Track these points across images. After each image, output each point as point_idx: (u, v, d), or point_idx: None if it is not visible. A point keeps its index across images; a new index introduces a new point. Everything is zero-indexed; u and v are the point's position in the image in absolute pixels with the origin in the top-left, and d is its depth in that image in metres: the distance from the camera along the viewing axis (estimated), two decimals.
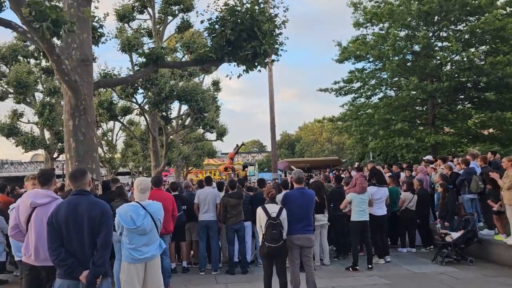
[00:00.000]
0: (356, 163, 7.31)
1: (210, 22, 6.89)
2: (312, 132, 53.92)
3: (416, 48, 14.90)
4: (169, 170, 34.46)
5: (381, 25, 15.73)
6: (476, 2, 13.86)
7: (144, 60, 7.76)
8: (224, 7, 6.86)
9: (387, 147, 17.41)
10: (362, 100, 18.30)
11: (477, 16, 14.30)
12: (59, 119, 19.18)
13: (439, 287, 5.41)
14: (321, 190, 6.95)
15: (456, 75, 14.46)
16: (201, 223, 6.71)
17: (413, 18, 14.61)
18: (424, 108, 17.44)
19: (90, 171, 5.19)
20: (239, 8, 6.83)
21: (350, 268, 6.58)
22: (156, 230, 3.72)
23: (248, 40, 6.80)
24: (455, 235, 6.77)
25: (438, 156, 10.35)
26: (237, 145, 11.64)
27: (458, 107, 16.50)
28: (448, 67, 14.86)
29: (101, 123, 19.88)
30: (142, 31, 18.10)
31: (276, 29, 7.02)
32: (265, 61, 7.55)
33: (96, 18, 7.45)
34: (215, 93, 21.23)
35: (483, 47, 14.73)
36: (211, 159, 32.41)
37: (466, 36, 14.26)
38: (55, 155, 20.63)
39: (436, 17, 14.51)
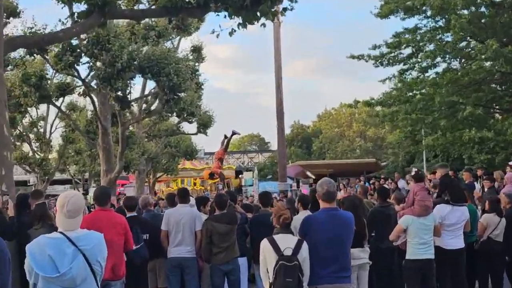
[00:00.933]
0: (414, 169, 6.73)
1: None
2: (337, 122, 53.67)
3: None
4: (127, 177, 34.24)
5: None
6: None
7: (85, 7, 7.26)
8: None
9: (452, 145, 16.95)
10: (414, 74, 17.84)
11: None
12: None
13: None
14: (358, 210, 6.48)
15: None
16: (171, 261, 6.31)
17: None
18: (506, 87, 16.96)
19: None
20: None
21: None
22: (94, 279, 3.26)
23: None
24: None
25: None
26: (225, 137, 11.21)
27: None
28: None
29: (27, 107, 19.44)
30: None
31: None
32: (272, 9, 7.08)
33: None
34: (196, 64, 20.85)
35: None
36: (189, 162, 32.23)
37: None
38: None
39: None
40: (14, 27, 21.30)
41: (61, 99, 19.20)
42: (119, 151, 16.88)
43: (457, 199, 6.77)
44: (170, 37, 20.47)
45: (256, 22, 7.29)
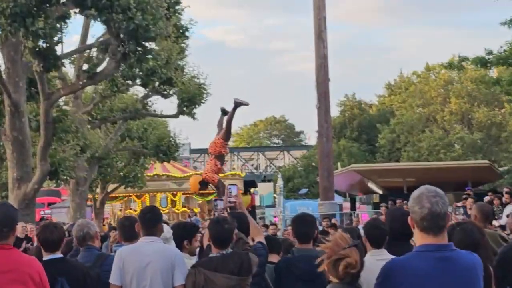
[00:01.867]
0: None
1: None
2: (422, 98, 53.01)
3: None
4: (58, 191, 33.90)
5: None
6: None
7: None
8: None
9: None
10: None
11: None
12: None
13: None
14: (479, 248, 6.01)
15: None
16: None
17: None
18: None
19: None
20: None
21: None
22: None
23: None
24: None
25: None
26: (223, 113, 10.66)
27: None
28: None
29: None
30: None
31: None
32: None
33: None
34: None
35: None
36: (164, 164, 31.91)
37: None
38: None
39: None
40: None
41: None
42: (41, 144, 16.74)
43: None
44: None
45: None
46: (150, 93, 24.38)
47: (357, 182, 34.97)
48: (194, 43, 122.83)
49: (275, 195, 40.93)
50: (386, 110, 56.31)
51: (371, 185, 34.66)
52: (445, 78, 50.15)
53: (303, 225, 6.59)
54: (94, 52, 21.75)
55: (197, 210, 32.10)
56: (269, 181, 53.19)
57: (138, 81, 22.93)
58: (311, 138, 71.60)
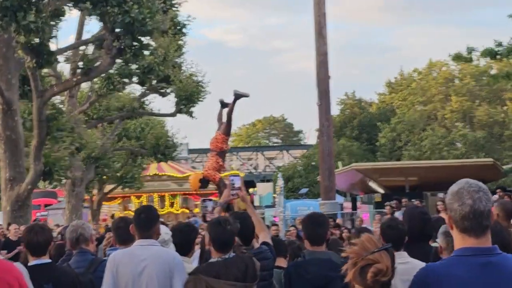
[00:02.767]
0: None
1: None
2: (423, 95, 52.66)
3: None
4: (55, 192, 33.49)
5: None
6: None
7: None
8: None
9: None
10: None
11: None
12: None
13: None
14: (509, 248, 5.53)
15: None
16: None
17: None
18: None
19: None
20: None
21: None
22: None
23: None
24: None
25: None
26: (222, 105, 10.18)
27: None
28: None
29: None
30: None
31: None
32: None
33: None
34: None
35: None
36: (163, 164, 31.52)
37: None
38: None
39: None
40: None
41: None
42: (34, 143, 16.38)
43: None
44: None
45: None
46: (147, 91, 24.01)
47: (358, 181, 34.63)
48: (193, 43, 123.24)
49: (274, 195, 40.40)
50: (386, 108, 55.98)
51: (372, 184, 34.32)
52: (446, 76, 49.80)
53: (315, 225, 6.00)
54: (90, 50, 21.32)
55: (197, 210, 31.64)
56: (268, 181, 52.71)
57: (135, 79, 22.70)
58: (310, 137, 71.39)
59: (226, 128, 9.99)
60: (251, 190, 38.22)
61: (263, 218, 32.10)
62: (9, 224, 15.66)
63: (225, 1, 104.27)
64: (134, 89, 25.92)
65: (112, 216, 27.12)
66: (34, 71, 16.14)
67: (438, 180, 31.10)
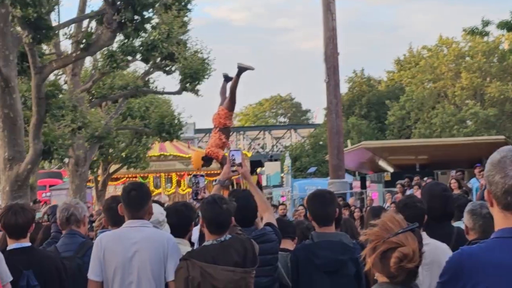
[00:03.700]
0: None
1: None
2: (433, 72, 51.87)
3: None
4: (60, 173, 33.12)
5: None
6: None
7: None
8: None
9: None
10: None
11: None
12: None
13: None
14: None
15: None
16: None
17: None
18: None
19: None
20: None
21: None
22: None
23: None
24: None
25: None
26: (226, 79, 9.65)
27: None
28: None
29: None
30: None
31: None
32: None
33: None
34: None
35: None
36: (168, 143, 31.08)
37: None
38: None
39: None
40: None
41: None
42: (33, 121, 15.94)
43: None
44: None
45: None
46: (151, 69, 23.47)
47: (367, 160, 34.20)
48: (198, 22, 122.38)
49: (282, 174, 39.99)
50: (395, 86, 55.19)
51: (382, 163, 33.90)
52: (456, 53, 49.09)
53: (323, 204, 5.43)
54: (88, 24, 20.81)
55: (205, 191, 31.11)
56: (275, 160, 52.18)
57: (138, 56, 22.13)
58: (318, 116, 70.78)
59: (229, 103, 9.45)
60: (258, 169, 37.72)
61: (271, 198, 31.75)
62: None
63: None
64: (138, 67, 25.46)
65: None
66: (32, 46, 15.61)
67: (448, 158, 30.76)
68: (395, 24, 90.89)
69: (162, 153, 33.07)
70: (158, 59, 22.14)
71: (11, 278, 4.58)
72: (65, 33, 20.79)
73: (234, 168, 6.07)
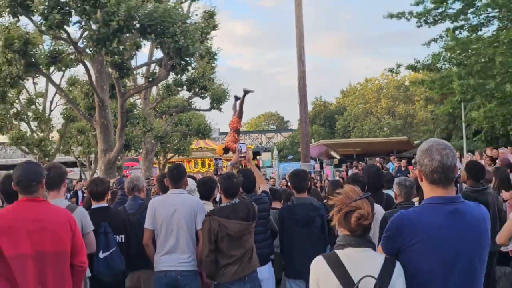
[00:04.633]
0: None
1: None
2: (363, 98, 51.39)
3: None
4: (137, 158, 32.72)
5: None
6: None
7: None
8: None
9: (510, 118, 14.58)
10: (464, 34, 15.38)
11: None
12: None
13: None
14: None
15: None
16: (160, 277, 4.35)
17: None
18: None
19: None
20: None
21: None
22: None
23: None
24: None
25: None
26: (236, 99, 9.15)
27: None
28: None
29: (20, 81, 17.54)
30: None
31: None
32: None
33: None
34: (206, 29, 18.77)
35: None
36: (203, 141, 30.48)
37: None
38: None
39: None
40: None
41: (56, 72, 17.56)
42: (118, 127, 15.21)
43: None
44: None
45: None
46: (192, 95, 22.81)
47: (324, 151, 33.59)
48: (221, 67, 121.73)
49: (272, 160, 39.25)
50: (341, 106, 54.38)
51: (333, 153, 33.26)
52: (377, 86, 48.71)
53: (299, 178, 4.96)
54: (154, 66, 20.28)
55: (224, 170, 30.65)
56: (268, 151, 51.48)
57: (184, 87, 21.57)
58: (294, 125, 70.22)
59: (239, 114, 8.95)
60: (258, 157, 36.95)
61: (265, 174, 31.14)
62: None
63: (241, 42, 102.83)
64: (184, 94, 24.83)
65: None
66: (118, 80, 15.11)
67: (373, 150, 30.19)
68: (342, 69, 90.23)
69: (199, 146, 32.47)
70: (197, 89, 21.55)
71: (92, 228, 4.11)
72: (139, 72, 20.36)
73: (241, 155, 5.62)
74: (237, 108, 8.93)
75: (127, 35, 14.40)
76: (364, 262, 2.30)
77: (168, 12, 13.79)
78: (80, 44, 14.73)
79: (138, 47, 18.18)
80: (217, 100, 22.71)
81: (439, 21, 15.36)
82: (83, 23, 13.78)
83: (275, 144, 53.20)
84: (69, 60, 16.65)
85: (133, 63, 18.55)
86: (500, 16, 15.17)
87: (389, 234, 2.39)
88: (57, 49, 16.38)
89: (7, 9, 13.76)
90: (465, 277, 2.30)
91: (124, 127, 15.60)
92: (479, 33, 15.45)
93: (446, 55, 14.56)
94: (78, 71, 20.13)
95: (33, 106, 25.73)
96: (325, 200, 5.70)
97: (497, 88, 12.58)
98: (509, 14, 14.15)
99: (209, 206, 4.72)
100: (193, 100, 24.09)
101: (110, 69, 14.63)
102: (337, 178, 18.70)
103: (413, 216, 2.37)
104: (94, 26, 13.57)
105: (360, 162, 20.09)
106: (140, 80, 22.27)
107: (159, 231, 4.28)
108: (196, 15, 19.70)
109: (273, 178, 20.23)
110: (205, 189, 4.86)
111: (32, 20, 14.18)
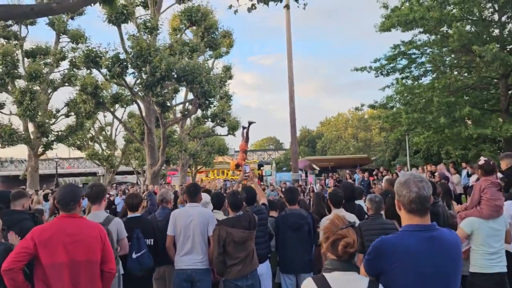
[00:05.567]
0: (482, 159, 3.76)
1: None
2: (335, 127, 50.53)
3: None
4: (177, 169, 32.29)
5: None
6: None
7: None
8: None
9: (447, 141, 13.99)
10: (409, 82, 14.92)
11: None
12: (42, 108, 16.98)
13: None
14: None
15: None
16: (179, 274, 3.79)
17: None
18: (494, 91, 13.82)
19: None
20: None
21: None
22: None
23: None
24: None
25: None
26: (243, 128, 8.65)
27: None
28: None
29: (92, 114, 17.19)
30: (136, 1, 15.53)
31: None
32: None
33: None
34: (224, 78, 18.43)
35: None
36: (222, 157, 29.91)
37: None
38: (39, 151, 18.18)
39: None
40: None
41: (115, 106, 17.18)
42: (161, 148, 14.77)
43: None
44: (202, 53, 17.85)
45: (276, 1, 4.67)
46: (214, 125, 22.39)
47: (308, 164, 32.74)
48: (235, 106, 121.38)
49: (271, 170, 38.50)
50: (320, 133, 53.64)
51: (314, 166, 32.51)
52: (345, 119, 48.17)
53: (292, 194, 4.40)
54: (187, 105, 19.91)
55: (237, 177, 30.00)
56: (268, 164, 50.75)
57: (209, 119, 21.06)
58: (287, 145, 69.55)
59: (246, 139, 8.45)
60: (261, 168, 36.23)
61: (266, 181, 30.45)
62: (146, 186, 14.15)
63: (249, 87, 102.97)
64: (209, 124, 24.34)
65: (201, 180, 25.52)
66: (161, 114, 14.68)
67: (343, 164, 29.45)
68: (321, 106, 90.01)
69: (219, 160, 31.92)
70: (218, 121, 21.08)
71: (126, 234, 3.59)
72: (176, 108, 19.96)
73: (246, 175, 5.10)
74: (244, 135, 8.43)
75: (168, 82, 14.11)
76: (350, 284, 1.77)
77: (197, 66, 13.51)
78: (134, 89, 14.43)
79: (176, 91, 17.87)
80: (232, 129, 22.24)
81: (391, 73, 14.99)
82: (136, 74, 13.54)
83: (274, 159, 52.45)
84: (127, 100, 16.31)
85: (173, 102, 18.21)
86: (433, 69, 14.78)
87: (371, 257, 1.86)
88: (119, 92, 16.15)
89: (83, 64, 13.57)
90: None
91: (165, 148, 15.14)
92: (420, 81, 15.04)
93: (396, 97, 14.08)
94: (134, 107, 19.67)
95: (103, 132, 25.62)
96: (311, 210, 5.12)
97: (434, 121, 12.05)
98: (441, 68, 13.74)
99: (219, 215, 4.18)
100: (215, 128, 23.64)
101: (155, 107, 14.31)
102: (318, 184, 18.07)
103: (393, 240, 1.84)
104: (144, 76, 13.31)
105: (334, 173, 19.41)
106: (178, 114, 21.94)
107: (179, 236, 3.75)
108: (217, 68, 19.57)
109: (272, 185, 19.57)
110: (217, 201, 4.33)
111: (100, 72, 13.97)
